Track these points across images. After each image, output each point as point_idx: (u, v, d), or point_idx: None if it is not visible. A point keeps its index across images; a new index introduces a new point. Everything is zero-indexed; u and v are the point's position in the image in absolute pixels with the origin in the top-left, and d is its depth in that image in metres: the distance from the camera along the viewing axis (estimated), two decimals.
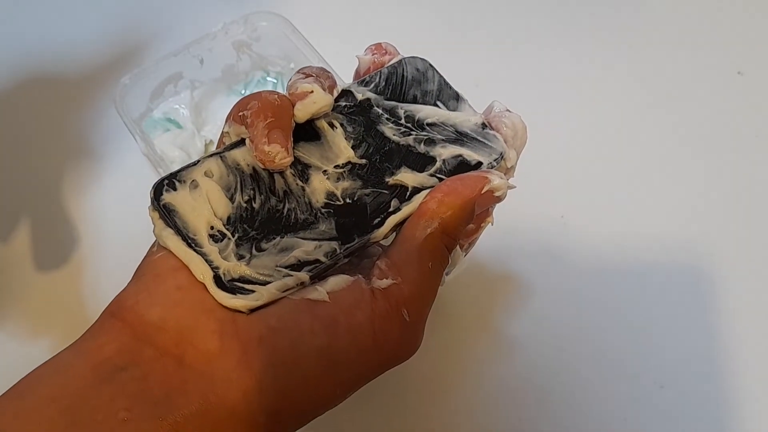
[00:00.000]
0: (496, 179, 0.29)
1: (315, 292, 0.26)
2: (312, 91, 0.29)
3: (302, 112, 0.29)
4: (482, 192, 0.29)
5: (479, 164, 0.30)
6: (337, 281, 0.27)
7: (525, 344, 0.44)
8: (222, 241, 0.27)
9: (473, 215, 0.29)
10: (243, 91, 0.52)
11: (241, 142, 0.30)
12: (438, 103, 0.32)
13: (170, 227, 0.27)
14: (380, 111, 0.32)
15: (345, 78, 0.46)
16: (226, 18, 0.50)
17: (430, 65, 0.33)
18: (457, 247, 0.30)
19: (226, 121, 0.30)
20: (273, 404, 0.25)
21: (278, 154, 0.28)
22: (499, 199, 0.29)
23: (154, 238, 0.28)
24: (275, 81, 0.52)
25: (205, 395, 0.24)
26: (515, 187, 0.30)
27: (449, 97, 0.33)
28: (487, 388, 0.43)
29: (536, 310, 0.45)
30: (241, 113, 0.29)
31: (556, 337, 0.44)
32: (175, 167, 0.46)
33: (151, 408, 0.23)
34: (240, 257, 0.27)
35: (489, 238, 0.46)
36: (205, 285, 0.26)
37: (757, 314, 0.45)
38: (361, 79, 0.32)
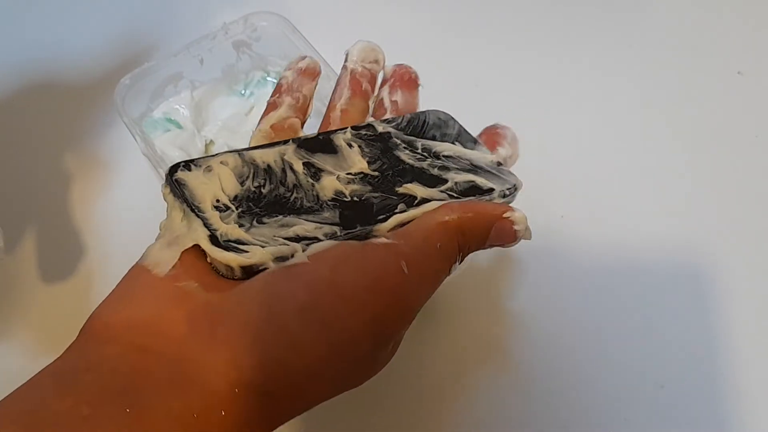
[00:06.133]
0: (518, 212, 0.29)
1: (295, 257, 0.25)
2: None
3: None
4: (503, 215, 0.29)
5: (491, 190, 0.31)
6: (320, 245, 0.26)
7: (524, 344, 0.44)
8: (225, 211, 0.28)
9: (488, 234, 0.29)
10: (243, 92, 0.52)
11: (263, 146, 0.31)
12: (456, 143, 0.33)
13: (178, 199, 0.28)
14: (398, 141, 0.33)
15: None
16: (226, 18, 0.50)
17: (452, 117, 0.34)
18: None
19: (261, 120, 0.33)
20: (262, 380, 0.23)
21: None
22: (515, 236, 0.29)
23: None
24: (275, 81, 0.52)
25: (175, 379, 0.22)
26: (530, 238, 0.30)
27: (467, 140, 0.33)
28: (485, 386, 0.43)
29: (536, 309, 0.45)
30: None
31: (556, 337, 0.44)
32: None
33: (115, 400, 0.21)
34: (240, 225, 0.27)
35: None
36: (200, 245, 0.26)
37: (757, 314, 0.45)
38: (383, 119, 0.34)
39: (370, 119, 0.33)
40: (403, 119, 0.34)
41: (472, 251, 0.29)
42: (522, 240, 0.30)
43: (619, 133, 0.53)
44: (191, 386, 0.22)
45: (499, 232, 0.29)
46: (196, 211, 0.27)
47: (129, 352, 0.23)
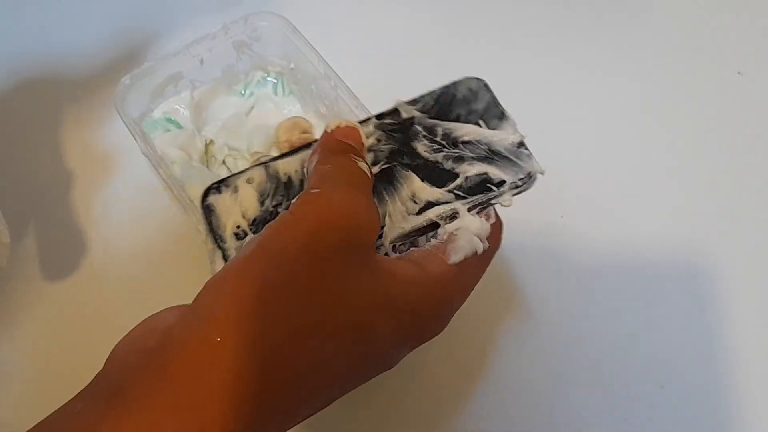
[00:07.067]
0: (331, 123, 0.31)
1: None
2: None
3: None
4: (330, 131, 0.31)
5: (502, 182, 0.31)
6: None
7: (524, 344, 0.44)
8: (244, 238, 0.30)
9: (334, 141, 0.31)
10: (243, 92, 0.52)
11: (289, 153, 0.33)
12: (480, 121, 0.32)
13: (208, 226, 0.31)
14: (419, 129, 0.32)
15: (345, 77, 0.46)
16: (226, 18, 0.50)
17: (485, 85, 0.33)
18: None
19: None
20: (244, 345, 0.23)
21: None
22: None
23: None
24: (275, 81, 0.52)
25: (159, 362, 0.23)
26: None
27: (493, 116, 0.32)
28: (483, 387, 0.43)
29: (536, 310, 0.45)
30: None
31: (556, 337, 0.44)
32: (176, 168, 0.46)
33: (104, 393, 0.23)
34: None
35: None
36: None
37: (757, 314, 0.45)
38: (412, 99, 0.33)
39: (396, 99, 0.33)
40: (431, 96, 0.33)
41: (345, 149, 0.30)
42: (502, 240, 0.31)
43: (619, 133, 0.53)
44: (173, 360, 0.23)
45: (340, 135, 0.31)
46: (218, 241, 0.30)
47: (125, 355, 0.24)
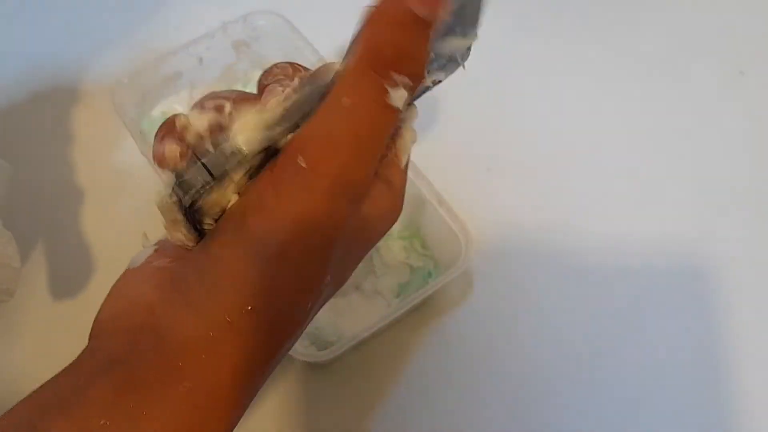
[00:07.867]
0: None
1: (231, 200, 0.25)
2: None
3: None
4: None
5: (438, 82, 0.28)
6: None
7: (524, 344, 0.44)
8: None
9: (397, 20, 0.23)
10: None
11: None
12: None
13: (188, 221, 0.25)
14: None
15: None
16: (225, 17, 0.50)
17: None
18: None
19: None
20: (224, 320, 0.24)
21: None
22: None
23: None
24: None
25: (154, 343, 0.23)
26: None
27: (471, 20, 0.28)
28: (484, 387, 0.43)
29: (536, 310, 0.45)
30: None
31: (556, 337, 0.44)
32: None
33: (106, 372, 0.23)
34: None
35: (489, 238, 0.46)
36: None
37: (757, 314, 0.45)
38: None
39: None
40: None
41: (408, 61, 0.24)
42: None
43: (620, 133, 0.53)
44: (167, 344, 0.24)
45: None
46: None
47: (117, 334, 0.25)
